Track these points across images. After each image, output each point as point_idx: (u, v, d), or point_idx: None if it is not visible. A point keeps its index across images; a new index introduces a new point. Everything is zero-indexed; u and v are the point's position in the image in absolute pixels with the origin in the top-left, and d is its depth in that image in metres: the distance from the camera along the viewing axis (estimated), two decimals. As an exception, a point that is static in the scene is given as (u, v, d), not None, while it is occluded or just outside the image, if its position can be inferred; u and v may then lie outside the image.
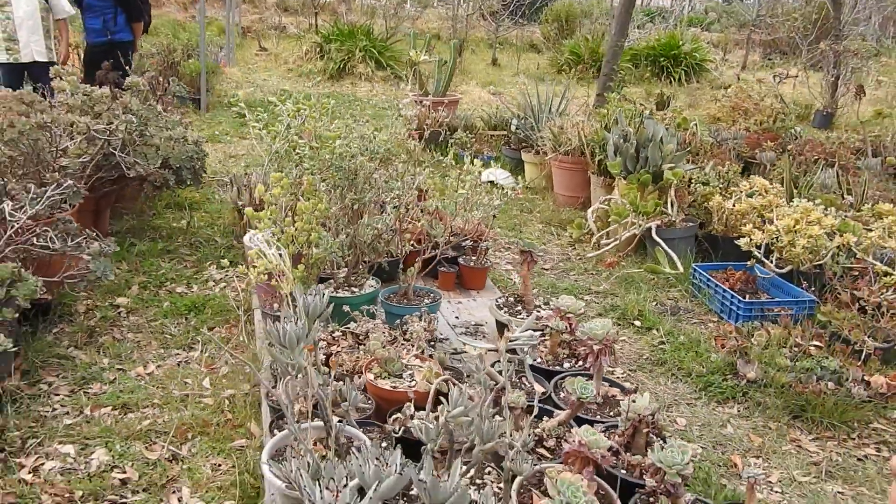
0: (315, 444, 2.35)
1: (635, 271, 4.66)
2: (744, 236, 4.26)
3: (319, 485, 1.25)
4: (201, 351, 3.42)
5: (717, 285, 4.13)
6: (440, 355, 2.82)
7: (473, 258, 4.08)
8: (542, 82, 7.69)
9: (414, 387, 2.65)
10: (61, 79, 4.05)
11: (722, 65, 15.17)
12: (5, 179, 3.53)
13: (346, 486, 1.23)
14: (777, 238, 4.21)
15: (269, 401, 2.67)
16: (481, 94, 11.20)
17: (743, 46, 16.54)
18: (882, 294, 3.64)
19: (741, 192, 4.86)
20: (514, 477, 2.09)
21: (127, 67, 5.85)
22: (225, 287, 4.10)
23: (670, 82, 13.24)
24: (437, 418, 2.29)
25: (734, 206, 4.77)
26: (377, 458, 1.33)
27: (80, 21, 6.74)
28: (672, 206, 4.90)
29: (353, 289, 3.37)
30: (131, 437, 2.76)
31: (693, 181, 5.19)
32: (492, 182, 6.01)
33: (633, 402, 2.23)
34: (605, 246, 4.96)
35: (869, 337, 3.42)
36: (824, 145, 6.50)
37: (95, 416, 2.88)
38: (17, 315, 2.97)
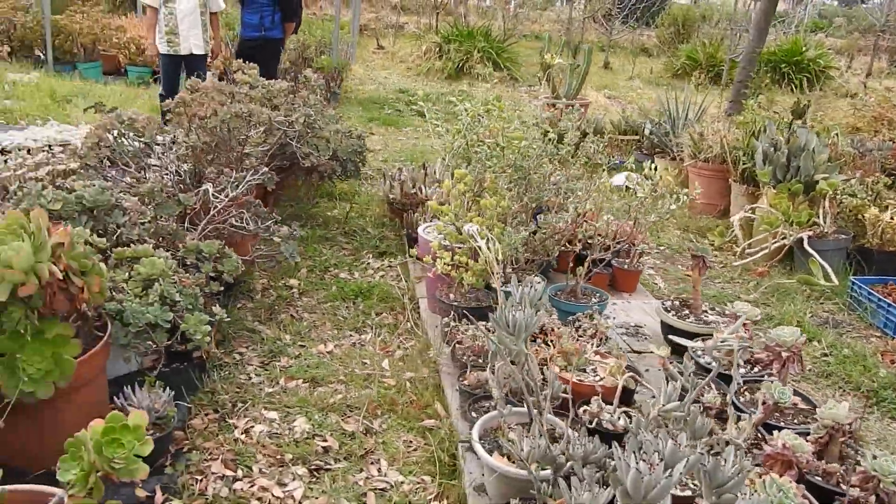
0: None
1: (786, 282, 4.57)
2: (909, 252, 4.13)
3: (635, 455, 1.35)
4: (374, 334, 3.61)
5: (879, 299, 4.02)
6: (619, 352, 2.90)
7: (626, 261, 4.12)
8: (658, 87, 7.60)
9: (600, 381, 2.73)
10: (244, 73, 4.35)
11: (846, 72, 14.49)
12: (201, 164, 3.85)
13: (661, 459, 1.33)
14: (948, 256, 4.06)
15: (461, 384, 2.82)
16: (597, 98, 11.15)
17: (866, 52, 15.75)
18: None
19: (900, 205, 4.70)
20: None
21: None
22: (384, 275, 4.30)
23: (791, 89, 12.78)
24: (640, 413, 2.38)
25: (892, 219, 4.62)
26: (671, 439, 1.43)
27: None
28: (825, 217, 4.79)
29: (521, 284, 3.48)
30: (326, 409, 2.96)
31: (839, 193, 5.04)
32: (627, 187, 6.00)
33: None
34: (750, 255, 4.89)
35: None
36: (981, 160, 6.14)
37: (290, 387, 3.11)
38: (221, 289, 3.23)
